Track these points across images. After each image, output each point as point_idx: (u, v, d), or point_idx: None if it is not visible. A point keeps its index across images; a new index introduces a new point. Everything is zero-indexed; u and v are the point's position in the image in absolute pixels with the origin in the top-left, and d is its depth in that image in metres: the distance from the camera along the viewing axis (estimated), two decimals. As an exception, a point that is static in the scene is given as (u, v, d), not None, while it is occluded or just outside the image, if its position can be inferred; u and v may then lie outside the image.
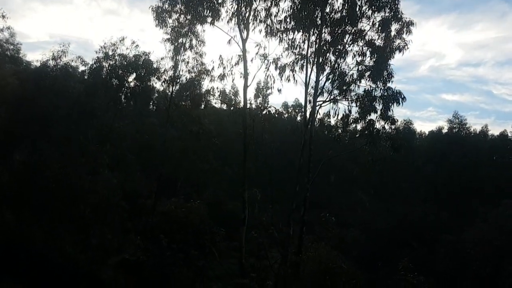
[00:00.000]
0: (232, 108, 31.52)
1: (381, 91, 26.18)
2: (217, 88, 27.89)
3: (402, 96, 25.60)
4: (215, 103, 31.69)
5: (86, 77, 38.71)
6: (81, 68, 38.40)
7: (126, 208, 29.33)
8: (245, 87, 25.63)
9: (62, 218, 25.01)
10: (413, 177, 64.53)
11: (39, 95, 35.49)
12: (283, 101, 67.98)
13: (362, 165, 40.69)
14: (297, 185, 27.24)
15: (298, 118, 60.63)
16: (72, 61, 37.72)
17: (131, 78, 38.21)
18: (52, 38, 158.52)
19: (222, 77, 26.36)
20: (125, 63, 37.57)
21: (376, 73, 25.95)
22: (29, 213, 24.45)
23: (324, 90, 28.43)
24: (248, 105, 28.57)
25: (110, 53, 37.67)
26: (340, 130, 28.51)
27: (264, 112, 27.59)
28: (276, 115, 29.44)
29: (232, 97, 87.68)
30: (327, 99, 28.61)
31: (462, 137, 69.89)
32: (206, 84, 35.62)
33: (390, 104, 26.43)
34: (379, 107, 26.24)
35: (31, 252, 21.90)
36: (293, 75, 26.64)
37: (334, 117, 28.52)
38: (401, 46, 25.76)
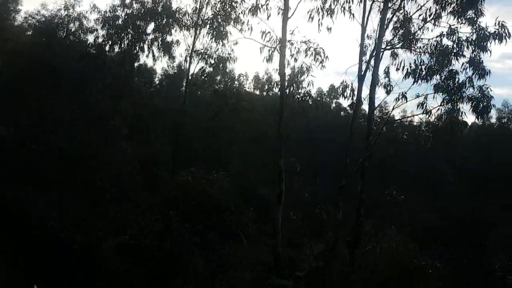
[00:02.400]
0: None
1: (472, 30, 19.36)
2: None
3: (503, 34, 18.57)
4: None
5: (100, 26, 33.36)
6: (95, 16, 33.10)
7: (140, 182, 24.82)
8: (285, 18, 19.20)
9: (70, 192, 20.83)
10: (456, 169, 59.54)
11: (49, 54, 30.59)
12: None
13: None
14: (347, 156, 21.32)
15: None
16: (87, 12, 32.62)
17: (149, 29, 32.82)
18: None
19: (254, 10, 19.97)
20: (143, 11, 32.08)
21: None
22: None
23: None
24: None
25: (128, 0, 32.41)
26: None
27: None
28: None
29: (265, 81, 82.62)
30: (388, 47, 22.24)
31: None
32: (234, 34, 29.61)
33: (481, 50, 19.64)
34: (467, 51, 19.49)
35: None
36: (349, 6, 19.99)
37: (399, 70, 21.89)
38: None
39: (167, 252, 16.78)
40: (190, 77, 32.47)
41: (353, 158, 21.33)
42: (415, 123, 52.75)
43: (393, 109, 23.37)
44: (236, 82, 61.88)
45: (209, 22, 24.97)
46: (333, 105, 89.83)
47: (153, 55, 32.93)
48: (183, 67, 76.79)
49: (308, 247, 18.31)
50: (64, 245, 17.47)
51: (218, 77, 49.78)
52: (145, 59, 34.75)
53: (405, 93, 22.02)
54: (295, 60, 19.85)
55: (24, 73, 28.22)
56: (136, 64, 34.17)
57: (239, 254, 18.62)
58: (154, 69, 70.80)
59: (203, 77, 32.01)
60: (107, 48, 31.85)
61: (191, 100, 46.91)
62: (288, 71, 20.21)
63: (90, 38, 32.66)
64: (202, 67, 30.26)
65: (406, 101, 21.98)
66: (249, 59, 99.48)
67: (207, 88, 52.97)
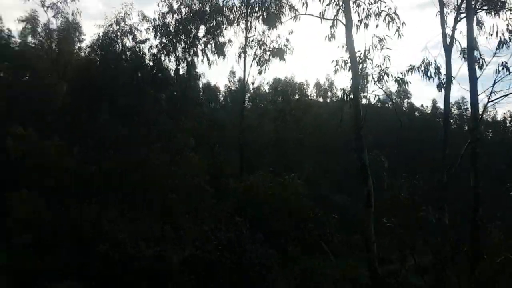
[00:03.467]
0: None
1: None
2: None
3: None
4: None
5: (152, 35, 32.38)
6: (145, 26, 32.09)
7: (210, 191, 22.85)
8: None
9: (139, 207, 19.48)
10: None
11: (106, 71, 30.13)
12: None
13: None
14: (445, 145, 17.60)
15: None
16: (138, 24, 31.87)
17: (201, 33, 31.36)
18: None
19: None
20: (192, 14, 30.74)
21: None
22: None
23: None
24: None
25: (175, 6, 31.24)
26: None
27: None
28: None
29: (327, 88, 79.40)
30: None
31: None
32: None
33: None
34: None
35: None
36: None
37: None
38: None
39: (239, 266, 14.15)
40: (247, 76, 30.28)
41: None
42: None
43: (494, 83, 18.47)
44: (296, 90, 59.06)
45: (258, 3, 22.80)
46: (405, 105, 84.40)
47: (208, 59, 31.37)
48: (241, 76, 77.61)
49: (410, 261, 14.61)
50: (132, 259, 15.75)
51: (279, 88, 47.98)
52: (200, 64, 33.17)
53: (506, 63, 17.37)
54: (366, 26, 16.02)
55: (81, 93, 27.74)
56: (194, 73, 32.61)
57: (324, 270, 15.40)
58: (217, 87, 72.17)
59: (261, 68, 29.60)
60: (162, 57, 30.69)
61: (254, 111, 45.72)
62: (357, 46, 16.51)
63: (146, 50, 31.80)
64: (258, 56, 27.82)
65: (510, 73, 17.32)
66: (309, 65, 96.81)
67: (268, 96, 51.15)
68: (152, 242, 16.21)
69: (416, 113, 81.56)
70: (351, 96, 15.93)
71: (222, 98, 76.65)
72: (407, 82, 16.39)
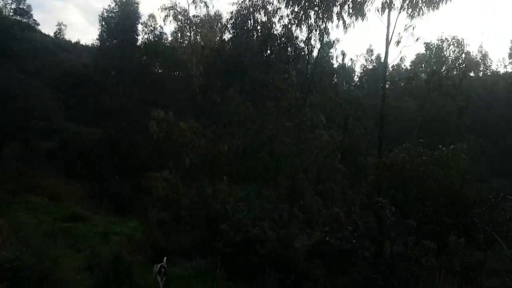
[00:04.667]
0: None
1: None
2: None
3: None
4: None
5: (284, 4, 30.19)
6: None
7: (343, 170, 20.35)
8: None
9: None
10: None
11: (235, 47, 29.88)
12: None
13: None
14: None
15: None
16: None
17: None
18: None
19: None
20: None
21: None
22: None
23: None
24: None
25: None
26: None
27: None
28: None
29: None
30: None
31: None
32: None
33: None
34: None
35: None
36: None
37: None
38: None
39: (382, 259, 11.23)
40: (390, 34, 25.80)
41: None
42: None
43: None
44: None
45: None
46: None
47: (344, 22, 27.73)
48: (381, 58, 71.01)
49: None
50: (254, 242, 14.41)
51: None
52: (335, 29, 29.86)
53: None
54: None
55: (214, 74, 27.78)
56: (325, 40, 29.44)
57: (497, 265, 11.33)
58: (353, 68, 68.00)
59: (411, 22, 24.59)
60: (293, 28, 28.61)
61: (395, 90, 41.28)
62: None
63: (276, 20, 30.16)
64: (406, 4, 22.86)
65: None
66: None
67: (410, 73, 45.09)
68: (278, 224, 14.50)
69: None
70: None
71: (357, 79, 71.87)
72: None
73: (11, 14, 53.81)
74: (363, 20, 24.47)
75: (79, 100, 40.14)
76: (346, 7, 25.97)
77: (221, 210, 16.24)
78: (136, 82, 44.46)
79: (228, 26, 31.74)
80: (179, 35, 40.74)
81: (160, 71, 51.14)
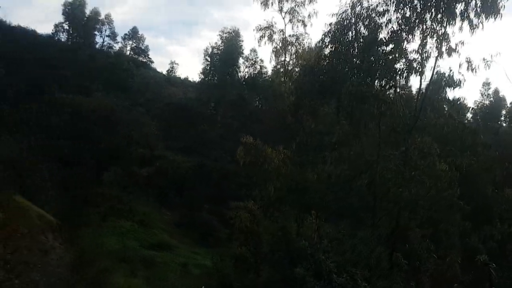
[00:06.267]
0: None
1: None
2: None
3: None
4: None
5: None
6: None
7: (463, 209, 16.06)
8: None
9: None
10: None
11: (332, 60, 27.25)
12: None
13: None
14: None
15: None
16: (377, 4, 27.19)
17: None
18: None
19: None
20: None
21: None
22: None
23: None
24: None
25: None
26: None
27: None
28: None
29: None
30: None
31: None
32: None
33: None
34: None
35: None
36: None
37: None
38: None
39: None
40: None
41: None
42: None
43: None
44: None
45: None
46: None
47: (470, 23, 22.81)
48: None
49: None
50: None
51: None
52: (457, 34, 24.89)
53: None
54: None
55: (304, 92, 25.29)
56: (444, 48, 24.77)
57: None
58: (465, 103, 58.57)
59: None
60: (403, 35, 24.53)
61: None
62: None
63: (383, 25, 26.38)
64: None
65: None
66: None
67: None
68: (375, 273, 10.91)
69: None
70: None
71: (470, 116, 61.62)
72: None
73: (130, 53, 59.96)
74: (495, 19, 19.59)
75: (179, 129, 41.37)
76: (473, 3, 21.23)
77: (302, 248, 13.27)
78: (234, 113, 44.79)
79: (326, 40, 29.06)
80: (273, 56, 39.67)
81: (258, 103, 51.18)
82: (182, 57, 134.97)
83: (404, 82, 18.74)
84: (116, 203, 28.96)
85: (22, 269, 6.84)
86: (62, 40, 54.22)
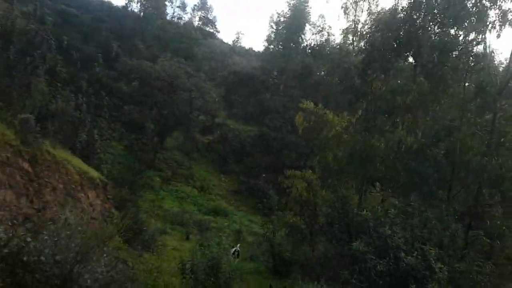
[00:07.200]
0: None
1: None
2: None
3: None
4: None
5: None
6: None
7: None
8: None
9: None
10: None
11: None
12: None
13: None
14: None
15: None
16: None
17: None
18: None
19: None
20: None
21: None
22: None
23: None
24: None
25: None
26: None
27: None
28: None
29: None
30: None
31: None
32: None
33: None
34: None
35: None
36: None
37: None
38: None
39: None
40: None
41: None
42: None
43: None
44: None
45: None
46: None
47: None
48: None
49: None
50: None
51: None
52: None
53: None
54: None
55: (375, 48, 22.65)
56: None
57: None
58: None
59: None
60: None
61: None
62: None
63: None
64: None
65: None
66: None
67: None
68: (448, 253, 9.10)
69: None
70: None
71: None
72: None
73: (198, 23, 60.08)
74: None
75: (242, 98, 40.63)
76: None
77: (364, 221, 11.67)
78: (297, 82, 42.90)
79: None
80: (342, 13, 36.63)
81: (324, 73, 48.44)
82: (248, 29, 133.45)
83: (496, 36, 15.51)
84: (178, 168, 29.35)
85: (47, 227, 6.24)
86: (135, 10, 55.55)
